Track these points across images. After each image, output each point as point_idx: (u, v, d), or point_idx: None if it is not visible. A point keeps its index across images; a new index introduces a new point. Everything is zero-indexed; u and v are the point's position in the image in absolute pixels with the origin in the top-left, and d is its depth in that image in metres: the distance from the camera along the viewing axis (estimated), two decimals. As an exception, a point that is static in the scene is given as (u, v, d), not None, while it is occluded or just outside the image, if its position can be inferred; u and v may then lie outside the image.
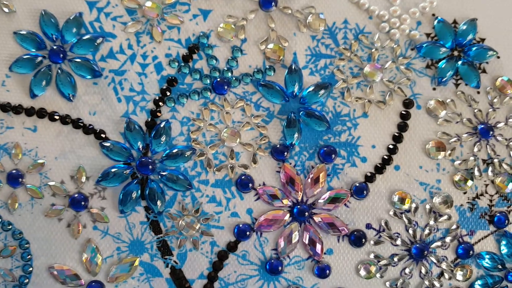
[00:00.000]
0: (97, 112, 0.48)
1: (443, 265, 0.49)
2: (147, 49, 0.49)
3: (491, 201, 0.50)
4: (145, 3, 0.49)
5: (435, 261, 0.49)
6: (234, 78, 0.49)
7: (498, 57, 0.51)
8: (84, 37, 0.48)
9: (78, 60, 0.48)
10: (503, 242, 0.50)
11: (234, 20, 0.50)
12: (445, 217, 0.49)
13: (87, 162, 0.48)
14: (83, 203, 0.47)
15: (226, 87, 0.49)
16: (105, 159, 0.48)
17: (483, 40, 0.51)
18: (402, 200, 0.49)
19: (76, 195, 0.47)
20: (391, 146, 0.49)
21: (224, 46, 0.50)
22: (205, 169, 0.48)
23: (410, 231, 0.49)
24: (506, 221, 0.49)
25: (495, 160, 0.50)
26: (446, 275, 0.49)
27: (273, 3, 0.50)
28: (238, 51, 0.50)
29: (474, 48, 0.50)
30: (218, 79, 0.49)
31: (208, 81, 0.49)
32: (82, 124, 0.48)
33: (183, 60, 0.49)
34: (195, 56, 0.50)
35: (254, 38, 0.50)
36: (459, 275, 0.49)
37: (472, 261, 0.50)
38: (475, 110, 0.50)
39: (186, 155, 0.48)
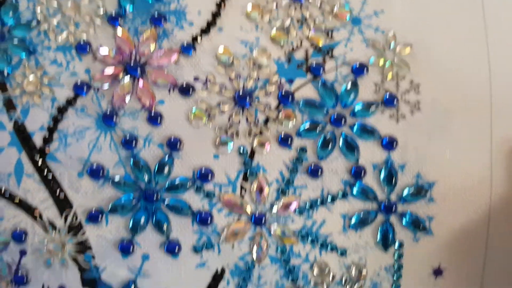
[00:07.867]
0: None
1: (267, 111, 0.54)
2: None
3: (306, 54, 0.56)
4: None
5: (259, 107, 0.54)
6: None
7: None
8: None
9: None
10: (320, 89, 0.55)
11: None
12: (265, 67, 0.55)
13: None
14: None
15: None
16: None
17: None
18: (225, 55, 0.54)
19: None
20: (215, 12, 0.56)
21: None
22: (48, 37, 0.54)
23: (234, 82, 0.54)
24: (321, 70, 0.55)
25: (309, 19, 0.56)
26: (272, 121, 0.54)
27: None
28: None
29: None
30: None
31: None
32: None
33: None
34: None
35: None
36: (285, 122, 0.54)
37: (295, 107, 0.55)
38: (289, -21, 0.57)
39: (31, 26, 0.54)
